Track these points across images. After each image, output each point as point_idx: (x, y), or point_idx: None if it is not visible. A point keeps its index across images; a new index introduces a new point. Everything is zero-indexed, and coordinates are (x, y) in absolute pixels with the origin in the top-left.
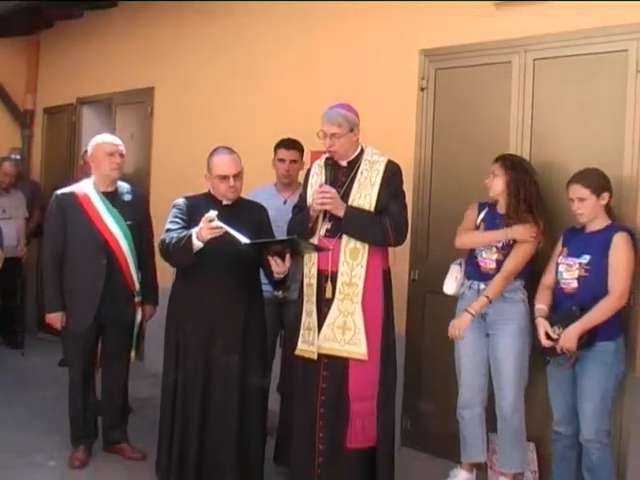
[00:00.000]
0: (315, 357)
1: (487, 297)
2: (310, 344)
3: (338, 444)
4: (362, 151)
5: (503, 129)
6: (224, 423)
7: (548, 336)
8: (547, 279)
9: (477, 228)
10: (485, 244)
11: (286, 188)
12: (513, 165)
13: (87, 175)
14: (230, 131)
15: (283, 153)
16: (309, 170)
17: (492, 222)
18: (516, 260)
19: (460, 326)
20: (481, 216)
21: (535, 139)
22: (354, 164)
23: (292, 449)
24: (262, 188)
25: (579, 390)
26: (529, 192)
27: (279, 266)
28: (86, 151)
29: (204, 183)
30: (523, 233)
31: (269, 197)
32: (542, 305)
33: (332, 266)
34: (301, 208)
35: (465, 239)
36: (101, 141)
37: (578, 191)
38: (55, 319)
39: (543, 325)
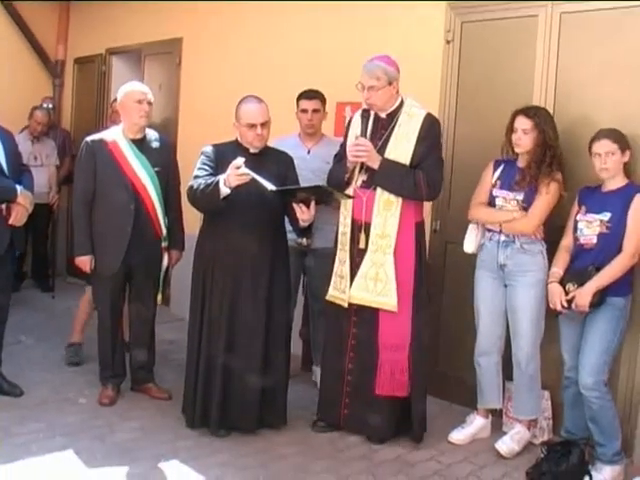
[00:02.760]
0: (346, 305)
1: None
2: (342, 292)
3: (365, 388)
4: (402, 103)
5: (527, 82)
6: (248, 364)
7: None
8: (566, 240)
9: (493, 186)
10: (490, 222)
11: (310, 138)
12: (544, 127)
13: (116, 123)
14: (257, 81)
15: (305, 103)
16: (350, 120)
17: (508, 178)
18: (538, 209)
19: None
20: (497, 174)
21: (559, 93)
22: (393, 116)
23: (320, 390)
24: (284, 138)
25: (583, 340)
26: (554, 154)
27: (304, 213)
28: (115, 99)
29: (231, 132)
30: (520, 227)
31: (293, 147)
32: (558, 269)
33: (366, 216)
34: (340, 158)
35: (475, 214)
36: (130, 89)
37: (607, 145)
38: (84, 262)
39: (558, 293)
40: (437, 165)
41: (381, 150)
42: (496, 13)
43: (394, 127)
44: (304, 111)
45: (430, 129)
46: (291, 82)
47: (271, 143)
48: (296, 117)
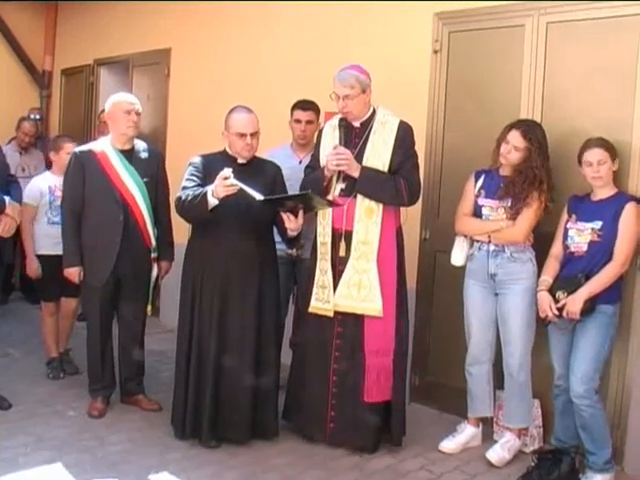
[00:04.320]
0: (331, 314)
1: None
2: (325, 302)
3: (351, 399)
4: (374, 112)
5: (515, 92)
6: (238, 375)
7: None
8: (555, 249)
9: (477, 196)
10: (478, 233)
11: (302, 149)
12: (533, 154)
13: (104, 134)
14: (245, 92)
15: (299, 114)
16: (321, 131)
17: (492, 187)
18: (526, 219)
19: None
20: (479, 184)
21: (546, 102)
22: (366, 125)
23: (304, 403)
24: (276, 150)
25: (574, 347)
26: (540, 173)
27: (292, 222)
28: (103, 110)
29: (219, 142)
30: (509, 236)
31: (285, 157)
32: (547, 277)
33: (347, 225)
34: (313, 168)
35: (462, 227)
36: (118, 99)
37: (600, 154)
38: (73, 273)
39: (547, 300)
40: (415, 170)
41: (357, 158)
42: (483, 23)
43: (369, 135)
44: (298, 121)
45: (405, 136)
46: (280, 92)
47: (264, 155)
48: (289, 126)
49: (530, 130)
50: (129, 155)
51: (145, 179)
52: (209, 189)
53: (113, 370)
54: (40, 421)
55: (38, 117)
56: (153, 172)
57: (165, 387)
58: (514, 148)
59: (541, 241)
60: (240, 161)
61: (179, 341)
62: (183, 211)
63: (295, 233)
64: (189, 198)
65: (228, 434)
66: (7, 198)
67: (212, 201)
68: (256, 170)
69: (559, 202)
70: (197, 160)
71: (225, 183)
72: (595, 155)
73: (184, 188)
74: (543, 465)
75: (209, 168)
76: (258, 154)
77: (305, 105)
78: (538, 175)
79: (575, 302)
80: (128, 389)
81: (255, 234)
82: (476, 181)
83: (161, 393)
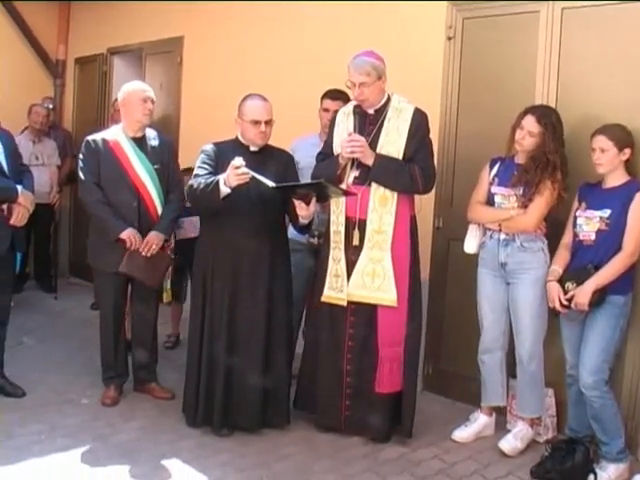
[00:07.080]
0: (345, 304)
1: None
2: (339, 291)
3: (366, 388)
4: (389, 99)
5: (530, 78)
6: (249, 363)
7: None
8: (566, 238)
9: (491, 184)
10: (489, 221)
11: None
12: (547, 139)
13: (117, 123)
14: (259, 80)
15: (328, 103)
16: (334, 118)
17: (506, 174)
18: (537, 207)
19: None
20: (493, 172)
21: (561, 89)
22: (381, 112)
23: (318, 393)
24: (304, 138)
25: (584, 339)
26: (553, 158)
27: (303, 209)
28: (116, 99)
29: (233, 130)
30: (519, 225)
31: (311, 145)
32: (557, 267)
33: (360, 214)
34: (325, 155)
35: (473, 214)
36: (133, 88)
37: (602, 142)
38: (129, 234)
39: (556, 291)
40: (430, 158)
41: (371, 145)
42: (497, 9)
43: (383, 122)
44: (326, 110)
45: (420, 123)
46: (293, 80)
47: (289, 146)
48: (318, 115)
49: (545, 115)
50: (140, 143)
51: (156, 166)
52: (221, 178)
53: (126, 359)
54: (54, 409)
55: (51, 106)
56: (164, 159)
57: (178, 375)
58: (529, 134)
59: (555, 229)
60: (252, 149)
61: (191, 330)
62: (195, 199)
63: (306, 221)
64: (201, 187)
65: (240, 422)
66: (20, 187)
67: (224, 190)
68: (268, 158)
69: (572, 189)
70: (209, 148)
71: (237, 172)
72: (596, 142)
73: (196, 176)
74: (557, 455)
75: (221, 156)
76: (284, 141)
77: (335, 95)
78: (551, 161)
79: (583, 293)
80: (141, 378)
81: (266, 223)
82: (491, 169)
83: (174, 381)
